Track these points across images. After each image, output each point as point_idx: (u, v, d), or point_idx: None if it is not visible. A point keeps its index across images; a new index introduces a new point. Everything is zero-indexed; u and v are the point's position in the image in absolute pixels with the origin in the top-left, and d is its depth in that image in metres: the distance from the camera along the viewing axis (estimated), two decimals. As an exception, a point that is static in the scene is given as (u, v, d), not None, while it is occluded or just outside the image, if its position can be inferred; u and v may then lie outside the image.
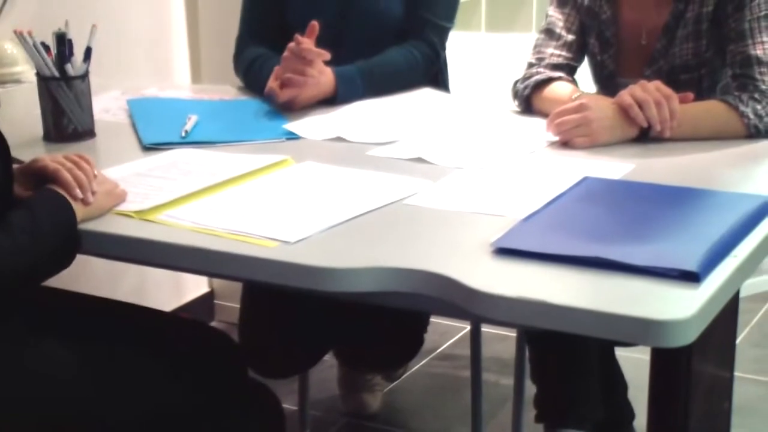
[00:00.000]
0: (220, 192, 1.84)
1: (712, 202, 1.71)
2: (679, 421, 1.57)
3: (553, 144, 2.12)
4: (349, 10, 2.58)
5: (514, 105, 2.40)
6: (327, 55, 2.39)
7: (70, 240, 1.69)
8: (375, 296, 1.53)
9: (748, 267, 1.51)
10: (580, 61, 2.44)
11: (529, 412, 2.55)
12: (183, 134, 2.20)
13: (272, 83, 2.43)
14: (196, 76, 3.52)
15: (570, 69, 2.41)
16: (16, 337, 1.70)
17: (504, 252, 1.51)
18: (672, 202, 1.71)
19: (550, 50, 2.39)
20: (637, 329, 1.32)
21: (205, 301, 3.69)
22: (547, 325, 1.38)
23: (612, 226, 1.62)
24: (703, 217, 1.63)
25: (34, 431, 1.66)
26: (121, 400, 1.74)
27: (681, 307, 1.33)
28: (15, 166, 1.76)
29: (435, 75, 2.67)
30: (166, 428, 1.78)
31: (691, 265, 1.41)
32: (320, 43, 2.39)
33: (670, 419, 1.58)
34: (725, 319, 1.59)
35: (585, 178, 1.83)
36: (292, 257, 1.54)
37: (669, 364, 1.54)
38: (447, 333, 3.52)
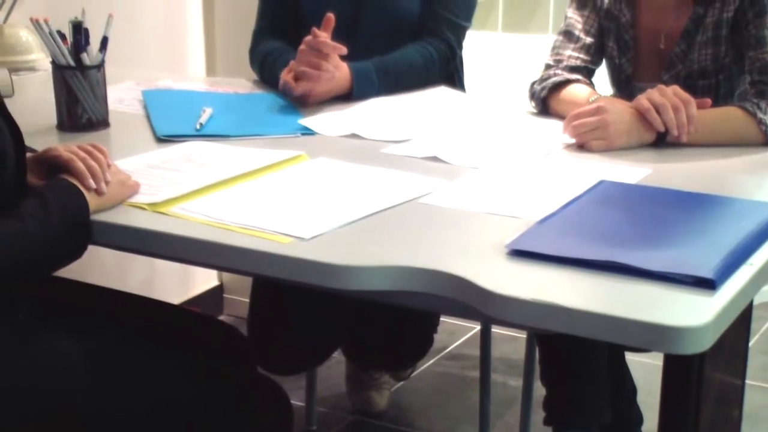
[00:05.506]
0: (234, 186, 1.83)
1: (728, 209, 1.70)
2: (689, 427, 1.57)
3: (569, 146, 2.10)
4: (365, 5, 2.57)
5: (531, 106, 2.38)
6: (343, 50, 2.37)
7: (82, 231, 1.68)
8: (387, 295, 1.53)
9: (764, 275, 1.50)
10: (598, 63, 2.43)
11: (536, 414, 2.54)
12: (197, 127, 2.20)
13: (286, 76, 2.41)
14: (211, 69, 3.52)
15: (588, 72, 2.39)
16: (24, 327, 1.69)
17: (518, 254, 1.50)
18: (688, 208, 1.70)
19: (568, 52, 2.38)
20: (651, 335, 1.31)
21: (214, 295, 3.69)
22: (560, 328, 1.37)
23: (627, 230, 1.60)
24: (720, 224, 1.62)
25: (38, 424, 1.65)
26: (127, 394, 1.73)
27: (696, 314, 1.32)
28: (28, 154, 1.76)
29: (451, 74, 2.66)
30: (172, 423, 1.77)
31: (707, 272, 1.40)
32: (334, 37, 2.38)
33: (680, 425, 1.57)
34: (738, 326, 1.58)
35: (601, 182, 1.82)
36: (306, 254, 1.53)
37: (681, 370, 1.54)
38: (456, 333, 3.51)
